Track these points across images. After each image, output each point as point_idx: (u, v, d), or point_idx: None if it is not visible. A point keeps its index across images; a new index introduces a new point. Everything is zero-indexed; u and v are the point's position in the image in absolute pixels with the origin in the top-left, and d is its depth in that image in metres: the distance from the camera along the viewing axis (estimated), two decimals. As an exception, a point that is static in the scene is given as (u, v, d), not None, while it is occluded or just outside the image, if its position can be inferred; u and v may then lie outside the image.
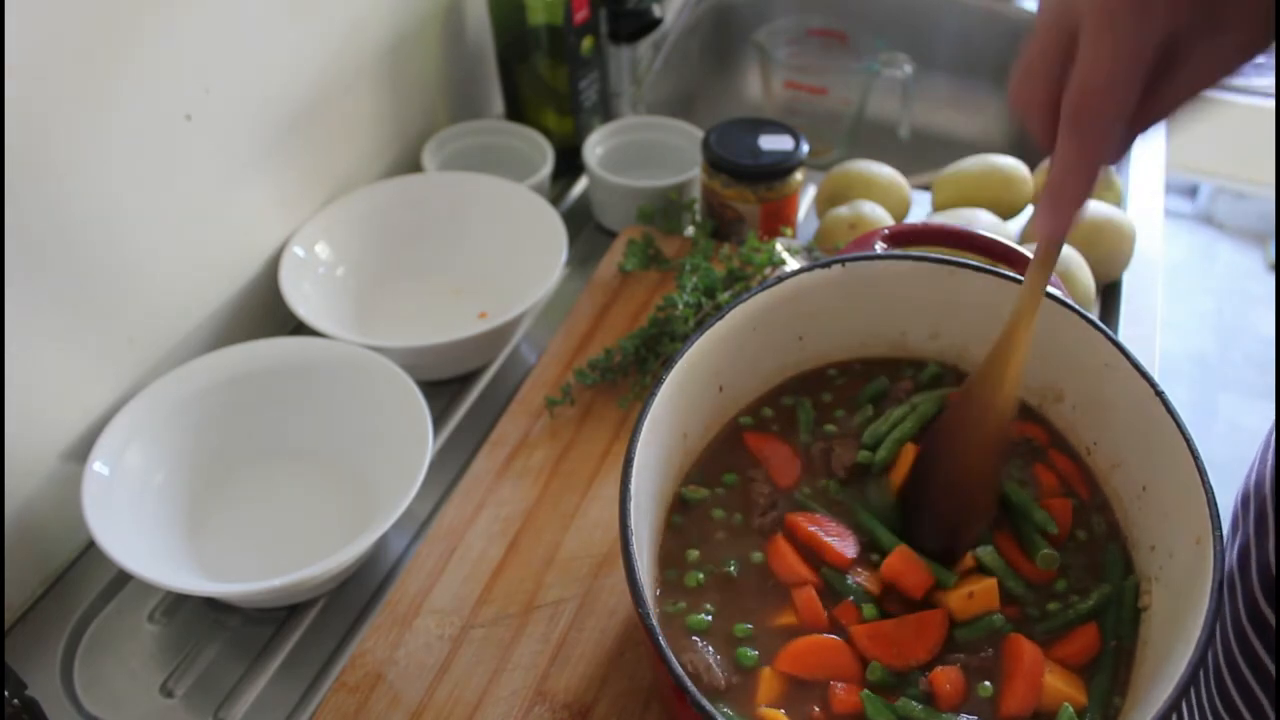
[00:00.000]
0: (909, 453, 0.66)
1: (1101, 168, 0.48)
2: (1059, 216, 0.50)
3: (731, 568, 0.62)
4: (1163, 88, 0.47)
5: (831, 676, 0.57)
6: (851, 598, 0.60)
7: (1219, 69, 0.47)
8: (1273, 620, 0.68)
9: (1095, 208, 0.93)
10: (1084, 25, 0.46)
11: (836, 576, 0.61)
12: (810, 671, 0.57)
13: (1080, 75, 0.46)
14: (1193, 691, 0.77)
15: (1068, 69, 0.47)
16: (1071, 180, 0.49)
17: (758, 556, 0.62)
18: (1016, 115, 0.51)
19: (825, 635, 0.58)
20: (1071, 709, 0.54)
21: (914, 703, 0.55)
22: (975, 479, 0.61)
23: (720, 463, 0.67)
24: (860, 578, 0.61)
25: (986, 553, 0.61)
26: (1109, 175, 0.98)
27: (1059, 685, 0.56)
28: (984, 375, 0.59)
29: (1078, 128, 0.47)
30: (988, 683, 0.57)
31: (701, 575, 0.61)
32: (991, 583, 0.60)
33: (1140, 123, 0.48)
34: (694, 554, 0.62)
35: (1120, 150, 0.49)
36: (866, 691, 0.55)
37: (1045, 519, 0.62)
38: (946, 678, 0.56)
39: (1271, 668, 0.69)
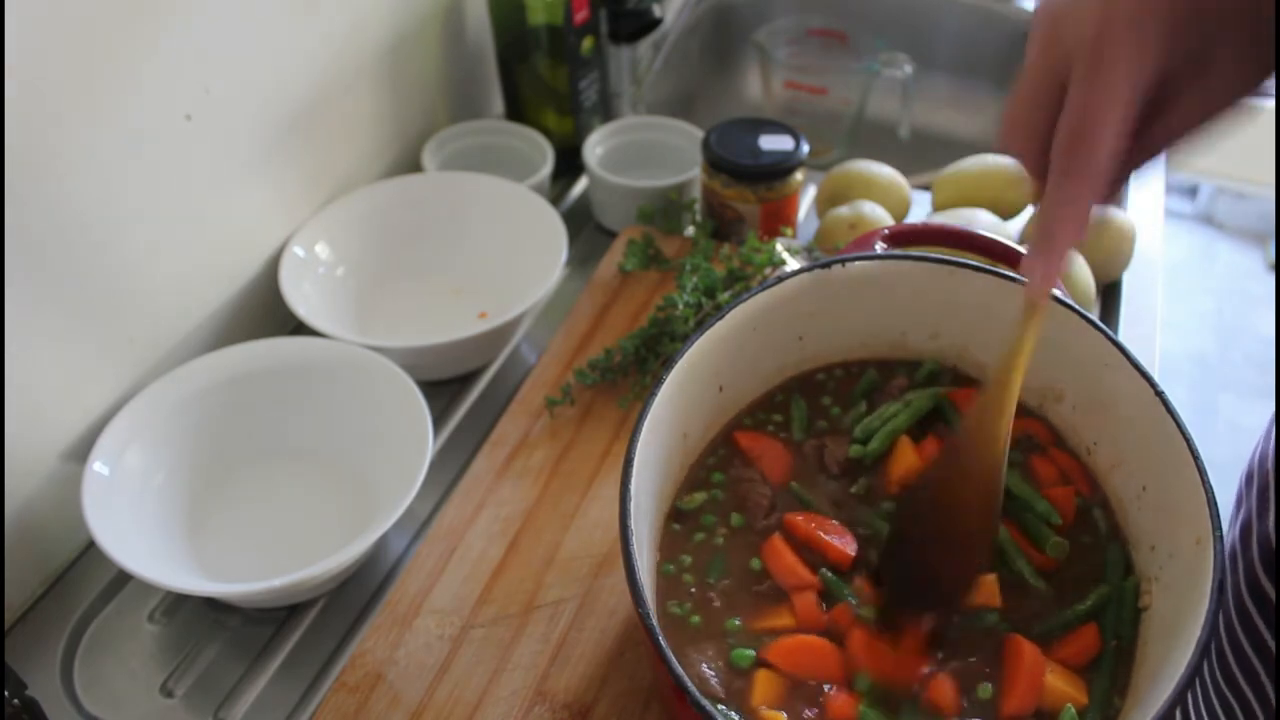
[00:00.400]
0: (903, 445, 0.66)
1: (1093, 209, 0.47)
2: (1051, 259, 0.49)
3: (730, 569, 0.62)
4: (1154, 126, 0.47)
5: (818, 677, 0.57)
6: (849, 600, 0.60)
7: (1209, 108, 0.46)
8: (1272, 594, 0.69)
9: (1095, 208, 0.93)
10: (1074, 67, 0.46)
11: (835, 580, 0.61)
12: (798, 669, 0.57)
13: (1070, 117, 0.46)
14: None
15: (1058, 111, 0.47)
16: (1063, 221, 0.48)
17: (756, 562, 0.62)
18: (1006, 149, 0.50)
19: (815, 636, 0.58)
20: (1073, 710, 0.54)
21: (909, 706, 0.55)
22: (970, 533, 0.59)
23: (715, 462, 0.67)
24: (859, 580, 0.61)
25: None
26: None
27: (1059, 685, 0.56)
28: (976, 425, 0.57)
29: (1068, 169, 0.46)
30: (988, 684, 0.57)
31: (701, 577, 0.62)
32: (990, 577, 0.60)
33: (1132, 162, 0.48)
34: (690, 559, 0.62)
35: (1112, 190, 0.48)
36: (864, 708, 0.55)
37: (1048, 510, 0.62)
38: (943, 686, 0.56)
39: (1271, 641, 0.69)
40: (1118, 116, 0.45)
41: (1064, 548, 0.61)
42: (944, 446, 0.60)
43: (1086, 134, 0.45)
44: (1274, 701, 0.70)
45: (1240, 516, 0.75)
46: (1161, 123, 0.47)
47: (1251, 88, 0.46)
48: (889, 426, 0.67)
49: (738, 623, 0.59)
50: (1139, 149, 0.47)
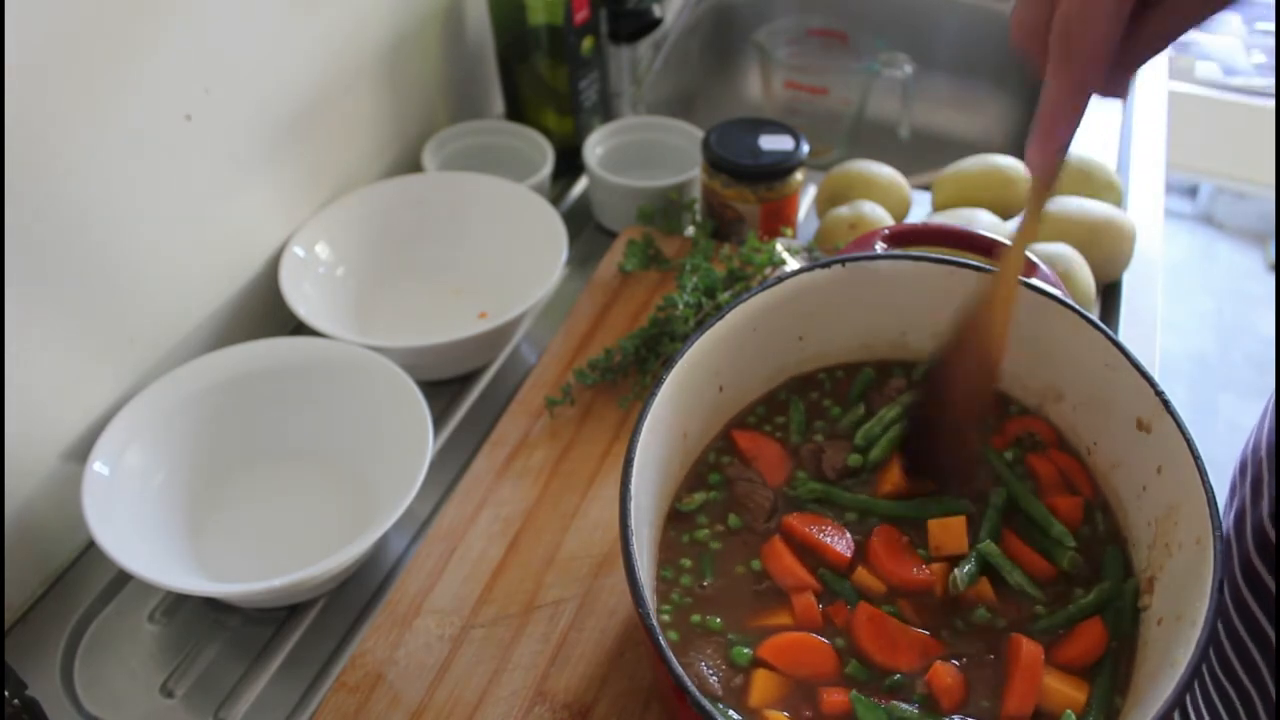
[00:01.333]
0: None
1: (1088, 97, 0.49)
2: (1049, 145, 0.51)
3: (730, 569, 0.62)
4: (1148, 24, 0.48)
5: (815, 674, 0.57)
6: (845, 600, 0.60)
7: (1202, 8, 0.48)
8: (1270, 583, 0.69)
9: (1095, 208, 0.93)
10: None
11: (834, 579, 0.61)
12: (794, 667, 0.57)
13: (1064, 7, 0.48)
14: None
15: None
16: (1061, 109, 0.50)
17: (755, 563, 0.62)
18: (1018, 49, 0.52)
19: (809, 634, 0.58)
20: (1073, 714, 0.54)
21: (904, 705, 0.55)
22: (971, 417, 0.64)
23: (715, 462, 0.67)
24: (856, 578, 0.61)
25: (989, 549, 0.61)
26: (1109, 175, 0.98)
27: (1060, 686, 0.56)
28: (978, 317, 0.60)
29: (1064, 56, 0.48)
30: (988, 685, 0.57)
31: (700, 577, 0.62)
32: (983, 579, 0.60)
33: (1133, 54, 0.49)
34: (690, 559, 0.62)
35: (1111, 83, 0.50)
36: (855, 693, 0.55)
37: (1063, 533, 0.62)
38: (946, 676, 0.56)
39: (1270, 630, 0.70)
40: (1109, 13, 0.46)
41: (1078, 561, 0.61)
42: (949, 328, 0.62)
43: (1081, 22, 0.47)
44: (1273, 691, 0.70)
45: (1234, 506, 0.76)
46: (1156, 18, 0.48)
47: None
48: (890, 434, 0.67)
49: (736, 623, 0.59)
50: (1139, 41, 0.48)
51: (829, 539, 0.62)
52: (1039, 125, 0.51)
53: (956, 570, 0.60)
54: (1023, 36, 0.51)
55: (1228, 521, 0.76)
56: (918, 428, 0.65)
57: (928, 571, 0.61)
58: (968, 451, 0.65)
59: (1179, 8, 0.48)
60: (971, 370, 0.61)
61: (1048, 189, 0.55)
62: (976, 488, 0.65)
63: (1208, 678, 0.77)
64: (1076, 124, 0.50)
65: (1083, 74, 0.48)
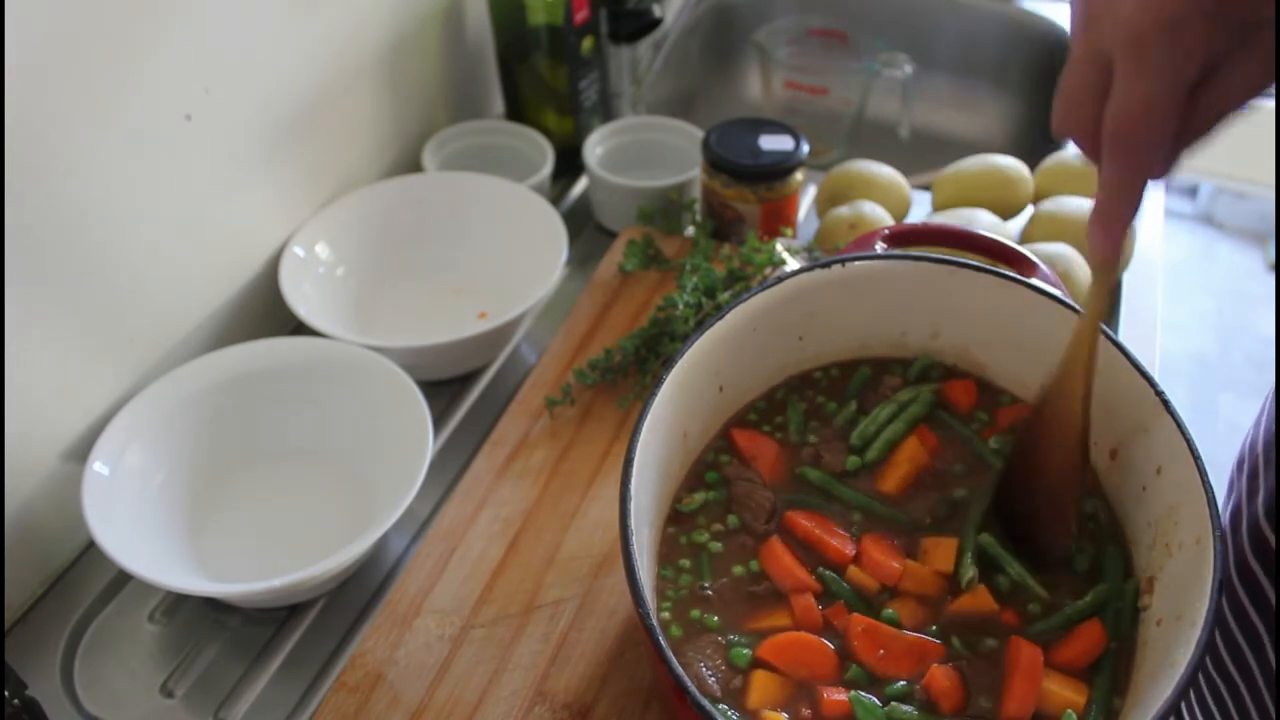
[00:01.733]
0: (905, 450, 0.66)
1: (1146, 187, 0.49)
2: (1110, 237, 0.51)
3: (729, 570, 0.62)
4: (1203, 101, 0.47)
5: (814, 674, 0.57)
6: (845, 601, 0.60)
7: (1258, 80, 0.47)
8: (1263, 578, 0.70)
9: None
10: (1115, 56, 0.47)
11: (833, 579, 0.61)
12: (793, 667, 0.57)
13: (1116, 103, 0.47)
14: None
15: (1106, 93, 0.48)
16: (1117, 201, 0.50)
17: (754, 563, 0.62)
18: (1063, 140, 0.51)
19: (808, 634, 0.58)
20: (1074, 715, 0.54)
21: (904, 707, 0.55)
22: (1064, 486, 0.62)
23: (715, 461, 0.67)
24: (850, 575, 0.61)
25: (988, 541, 0.61)
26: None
27: (1059, 688, 0.56)
28: (1057, 394, 0.60)
29: (1119, 152, 0.48)
30: (988, 685, 0.57)
31: (700, 577, 0.62)
32: (980, 586, 0.60)
33: (1184, 139, 0.49)
34: (689, 559, 0.62)
35: (1166, 168, 0.50)
36: (855, 694, 0.55)
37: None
38: (944, 679, 0.56)
39: (1259, 625, 0.70)
40: (1164, 101, 0.46)
41: (1087, 557, 0.61)
42: (1029, 416, 0.62)
43: (1133, 118, 0.47)
44: (1262, 685, 0.70)
45: (1231, 502, 0.76)
46: (1211, 97, 0.47)
47: None
48: (887, 433, 0.67)
49: (736, 623, 0.59)
50: (1190, 126, 0.48)
51: (829, 536, 0.62)
52: (1098, 216, 0.51)
53: (959, 570, 0.60)
54: (1068, 124, 0.51)
55: (1224, 518, 0.76)
56: (1011, 489, 0.64)
57: (922, 571, 0.61)
58: (1062, 524, 0.62)
59: (1229, 95, 0.47)
60: (1059, 443, 0.60)
61: (1112, 270, 0.55)
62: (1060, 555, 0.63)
63: (1200, 675, 0.78)
64: (1137, 208, 0.50)
65: (1138, 166, 0.48)
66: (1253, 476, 0.74)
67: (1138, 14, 0.46)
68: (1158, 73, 0.45)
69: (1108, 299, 0.57)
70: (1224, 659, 0.74)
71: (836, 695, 0.55)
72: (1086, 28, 0.49)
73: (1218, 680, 0.75)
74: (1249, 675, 0.72)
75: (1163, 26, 0.45)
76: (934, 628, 0.59)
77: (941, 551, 0.62)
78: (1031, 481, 0.62)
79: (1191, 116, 0.48)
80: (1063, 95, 0.51)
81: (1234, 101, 0.48)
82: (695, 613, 0.60)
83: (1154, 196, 1.07)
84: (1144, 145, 0.47)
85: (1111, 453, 0.64)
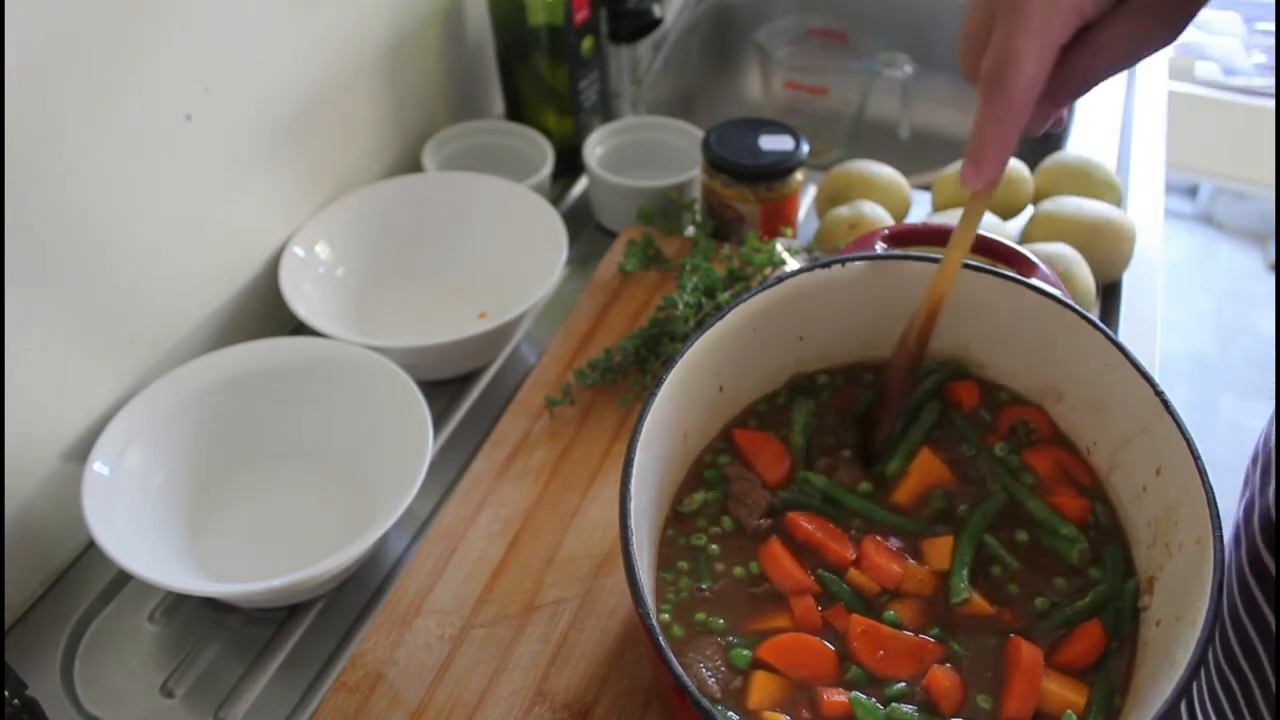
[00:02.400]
0: (917, 462, 0.66)
1: (1015, 133, 0.52)
2: (980, 172, 0.54)
3: (728, 571, 0.62)
4: (1076, 63, 0.51)
5: (814, 675, 0.57)
6: (844, 603, 0.60)
7: (1128, 49, 0.51)
8: (1272, 566, 0.69)
9: (1095, 208, 0.93)
10: (997, 7, 0.51)
11: (832, 580, 0.61)
12: (793, 668, 0.57)
13: (991, 51, 0.51)
14: None
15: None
16: (989, 142, 0.53)
17: (754, 565, 0.62)
18: (964, 76, 0.56)
19: (808, 635, 0.58)
20: (1074, 715, 0.54)
21: (904, 707, 0.55)
22: (896, 381, 0.67)
23: (714, 461, 0.67)
24: (850, 578, 0.61)
25: (991, 542, 0.61)
26: (1108, 175, 0.98)
27: (1059, 689, 0.56)
28: (910, 326, 0.65)
29: (990, 97, 0.52)
30: (988, 686, 0.57)
31: (699, 578, 0.62)
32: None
33: (1057, 95, 0.52)
34: (681, 566, 0.62)
35: (1039, 118, 0.54)
36: (855, 694, 0.55)
37: (1074, 533, 0.62)
38: (943, 680, 0.56)
39: (1270, 615, 0.70)
40: (1032, 60, 0.50)
41: (1087, 555, 0.62)
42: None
43: (1003, 70, 0.50)
44: (1273, 679, 0.70)
45: (1244, 497, 0.76)
46: (1084, 58, 0.51)
47: (1163, 42, 0.50)
48: (905, 444, 0.67)
49: (735, 624, 0.59)
50: (1066, 81, 0.52)
51: (830, 539, 0.62)
52: (969, 154, 0.54)
53: (953, 578, 0.60)
54: (964, 65, 0.55)
55: (1238, 511, 0.76)
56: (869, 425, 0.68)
57: (922, 572, 0.61)
58: (889, 417, 0.68)
59: (1105, 51, 0.51)
60: (901, 348, 0.66)
61: (983, 202, 0.58)
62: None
63: (1211, 666, 0.77)
64: (1005, 155, 0.53)
65: (1009, 111, 0.51)
66: (1265, 469, 0.74)
67: None
68: (1029, 30, 0.49)
69: (974, 226, 0.60)
70: (1234, 651, 0.74)
71: (836, 696, 0.55)
72: None
73: (1228, 673, 0.75)
74: (1259, 667, 0.72)
75: None
76: (935, 630, 0.59)
77: (938, 551, 0.62)
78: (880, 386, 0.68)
79: (1064, 74, 0.51)
80: (963, 35, 0.54)
81: (1107, 65, 0.51)
82: (695, 614, 0.60)
83: (1155, 197, 1.07)
84: (1012, 94, 0.50)
85: (1111, 453, 0.64)
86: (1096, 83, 0.52)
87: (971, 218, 0.60)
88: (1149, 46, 0.51)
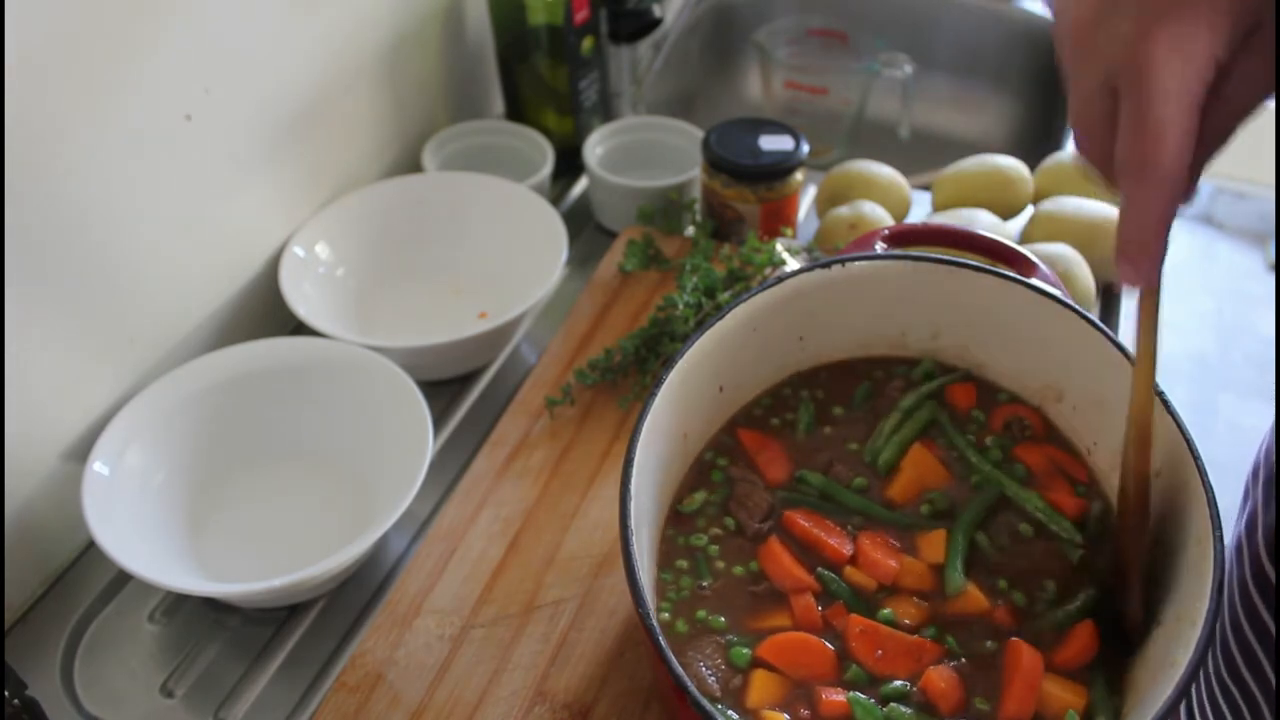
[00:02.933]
0: (910, 458, 0.66)
1: (1174, 211, 0.46)
2: (1143, 269, 0.48)
3: (728, 570, 0.62)
4: (1213, 117, 0.45)
5: (813, 674, 0.57)
6: (844, 601, 0.60)
7: (1262, 87, 0.45)
8: (1274, 579, 0.69)
9: (1095, 208, 0.93)
10: (1120, 79, 0.45)
11: (832, 578, 0.61)
12: (793, 667, 0.57)
13: (1129, 132, 0.45)
14: None
15: (1117, 116, 0.46)
16: (1147, 228, 0.47)
17: (754, 564, 0.62)
18: (1085, 170, 0.50)
19: (808, 634, 0.58)
20: (1074, 714, 0.54)
21: (903, 707, 0.55)
22: (1129, 545, 0.59)
23: (715, 461, 0.67)
24: (847, 575, 0.61)
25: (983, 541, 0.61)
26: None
27: (1057, 690, 0.56)
28: (1128, 454, 0.57)
29: (1141, 182, 0.45)
30: (987, 688, 0.57)
31: (699, 577, 0.62)
32: (972, 587, 0.60)
33: (1200, 155, 0.46)
34: (681, 565, 0.62)
35: (1190, 189, 0.47)
36: (854, 694, 0.55)
37: (1070, 529, 0.62)
38: (940, 680, 0.56)
39: (1273, 628, 0.69)
40: (1179, 127, 0.43)
41: (1084, 559, 0.62)
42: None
43: (1148, 149, 0.44)
44: (1276, 690, 0.70)
45: (1246, 509, 0.76)
46: (1221, 108, 0.45)
47: None
48: (898, 438, 0.67)
49: (735, 623, 0.59)
50: (1205, 138, 0.45)
51: (828, 537, 0.62)
52: (1123, 253, 0.48)
53: (948, 569, 0.60)
54: (1085, 151, 0.49)
55: (1240, 525, 0.76)
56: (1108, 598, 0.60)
57: (918, 566, 0.61)
58: (1129, 588, 0.59)
59: (1240, 95, 0.45)
60: (1124, 498, 0.58)
61: (1155, 299, 0.52)
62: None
63: (1213, 679, 0.77)
64: (1166, 242, 0.47)
65: (1163, 192, 0.45)
66: (1268, 485, 0.73)
67: (1137, 34, 0.43)
68: (1167, 96, 0.43)
69: (1153, 331, 0.54)
70: (1237, 664, 0.74)
71: (835, 695, 0.55)
72: (1080, 54, 0.46)
73: (1231, 686, 0.75)
74: (1263, 679, 0.72)
75: (1169, 44, 0.43)
76: (932, 629, 0.59)
77: (932, 544, 0.62)
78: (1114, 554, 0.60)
79: (1205, 131, 0.45)
80: (1078, 128, 0.48)
81: (1245, 108, 0.46)
82: (695, 613, 0.60)
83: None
84: (1164, 172, 0.44)
85: (1112, 453, 0.64)
86: (1232, 135, 0.46)
87: (1147, 323, 0.53)
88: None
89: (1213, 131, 0.46)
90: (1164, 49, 0.43)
